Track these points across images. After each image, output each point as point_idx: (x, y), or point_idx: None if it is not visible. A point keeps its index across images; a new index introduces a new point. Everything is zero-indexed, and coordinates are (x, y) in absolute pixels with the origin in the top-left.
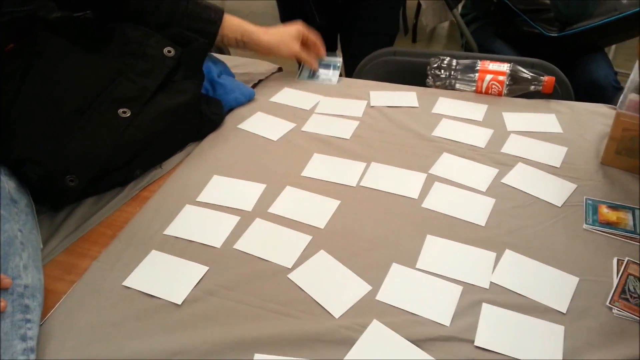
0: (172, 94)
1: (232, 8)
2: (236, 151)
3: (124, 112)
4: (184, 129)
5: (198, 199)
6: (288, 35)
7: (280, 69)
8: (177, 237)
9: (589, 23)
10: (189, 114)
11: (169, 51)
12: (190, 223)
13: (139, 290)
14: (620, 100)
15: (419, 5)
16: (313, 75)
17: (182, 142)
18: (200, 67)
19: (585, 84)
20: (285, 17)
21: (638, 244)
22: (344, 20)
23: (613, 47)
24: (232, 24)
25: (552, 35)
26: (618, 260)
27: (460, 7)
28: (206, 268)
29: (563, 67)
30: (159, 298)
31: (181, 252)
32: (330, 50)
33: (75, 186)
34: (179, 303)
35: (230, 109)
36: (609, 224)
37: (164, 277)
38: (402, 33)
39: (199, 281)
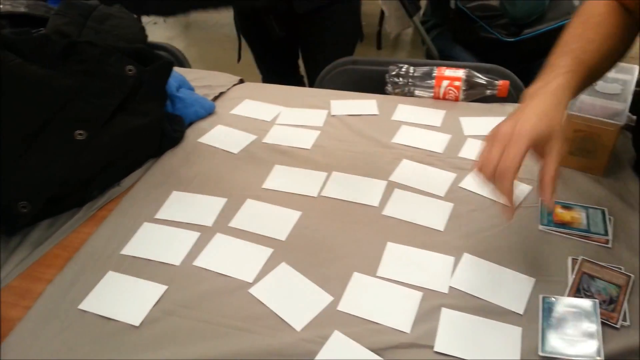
0: (133, 115)
1: (198, 19)
2: (196, 166)
3: (80, 134)
4: (144, 148)
5: (156, 216)
6: None
7: (241, 81)
8: (134, 257)
9: (543, 27)
10: (150, 134)
11: (130, 70)
12: (148, 241)
13: (95, 313)
14: (571, 102)
15: (382, 12)
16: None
17: (141, 160)
18: (163, 87)
19: None
20: (245, 29)
21: (591, 242)
22: (305, 31)
23: None
24: None
25: (508, 40)
26: (572, 259)
27: (421, 14)
28: (165, 287)
29: (521, 71)
30: (116, 320)
31: (139, 272)
32: (292, 60)
33: (28, 212)
34: (137, 324)
35: (190, 123)
36: (563, 224)
37: (121, 299)
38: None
39: (158, 301)
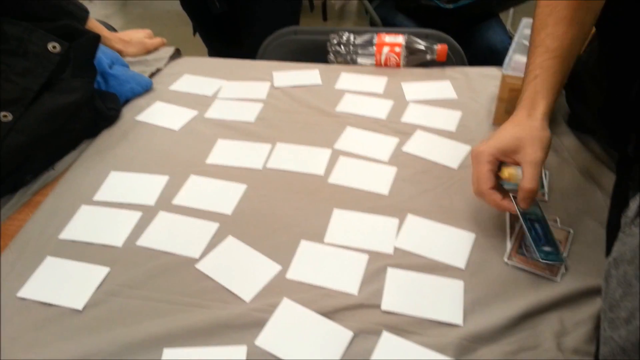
0: (60, 93)
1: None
2: (135, 145)
3: (5, 116)
4: (77, 128)
5: (95, 198)
6: (137, 38)
7: (178, 52)
8: (74, 241)
9: None
10: (81, 112)
11: (54, 47)
12: (87, 224)
13: (35, 300)
14: (505, 62)
15: None
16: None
17: (76, 141)
18: (91, 63)
19: (483, 50)
20: (186, 4)
21: None
22: (242, 3)
23: (511, 11)
24: (95, 26)
25: (447, 7)
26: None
27: None
28: (107, 269)
29: (461, 36)
30: (58, 306)
31: (79, 256)
32: (235, 37)
33: None
34: (80, 308)
35: (127, 101)
36: (501, 180)
37: (62, 284)
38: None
39: (101, 283)
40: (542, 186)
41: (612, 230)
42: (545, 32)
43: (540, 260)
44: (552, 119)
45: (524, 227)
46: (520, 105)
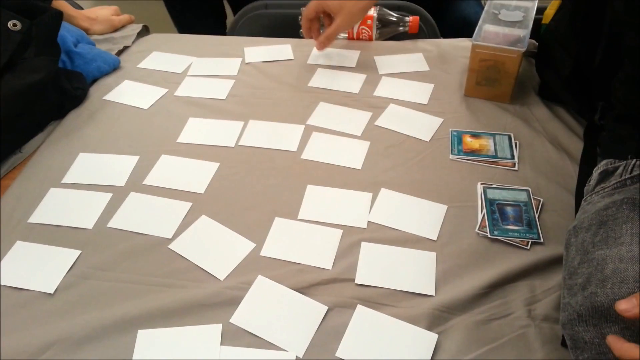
0: (23, 73)
1: None
2: (104, 125)
3: None
4: (43, 109)
5: (64, 181)
6: (104, 15)
7: (147, 29)
8: (43, 224)
9: None
10: (46, 92)
11: (15, 25)
12: (56, 207)
13: (6, 285)
14: (475, 32)
15: None
16: None
17: (42, 123)
18: (54, 41)
19: (457, 22)
20: None
21: (499, 167)
22: None
23: None
24: (60, 5)
25: None
26: (481, 184)
27: None
28: (78, 252)
29: (435, 9)
30: (29, 290)
31: (49, 239)
32: (218, 11)
33: None
34: (51, 292)
35: (94, 80)
36: (472, 152)
37: (32, 268)
38: None
39: (72, 266)
40: (512, 156)
41: (580, 198)
42: None
43: (488, 235)
44: (522, 89)
45: (485, 210)
46: None
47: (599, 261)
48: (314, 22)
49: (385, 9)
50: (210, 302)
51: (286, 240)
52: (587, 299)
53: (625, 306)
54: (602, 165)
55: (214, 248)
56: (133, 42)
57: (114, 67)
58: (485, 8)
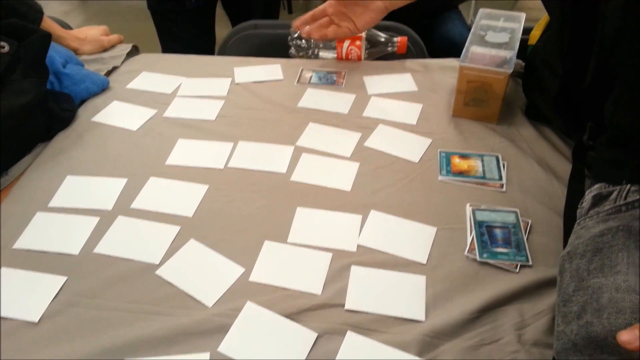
0: (10, 95)
1: None
2: (92, 147)
3: None
4: (30, 131)
5: (50, 205)
6: (93, 36)
7: (136, 49)
8: (28, 250)
9: None
10: (34, 114)
11: (2, 47)
12: (42, 232)
13: None
14: (462, 53)
15: None
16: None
17: (29, 145)
18: (43, 62)
19: (443, 43)
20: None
21: (488, 187)
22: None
23: (473, 3)
24: (49, 26)
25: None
26: (470, 205)
27: None
28: (64, 278)
29: (421, 29)
30: (13, 319)
31: (35, 266)
32: (209, 29)
33: None
34: (36, 321)
35: (83, 101)
36: (461, 173)
37: (17, 295)
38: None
39: (57, 294)
40: (500, 177)
41: (569, 220)
42: None
43: (478, 258)
44: (509, 109)
45: (474, 232)
46: None
47: (595, 289)
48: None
49: (373, 29)
50: (198, 330)
51: (275, 265)
52: (583, 328)
53: (627, 337)
54: (595, 189)
55: (202, 273)
56: (122, 62)
57: (103, 88)
58: (472, 30)
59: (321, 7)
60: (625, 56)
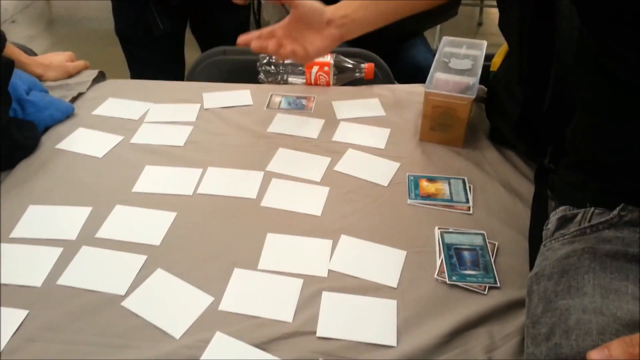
0: None
1: (63, 14)
2: (55, 175)
3: None
4: None
5: (12, 235)
6: (58, 62)
7: (102, 75)
8: None
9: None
10: None
11: None
12: (3, 264)
13: None
14: (427, 80)
15: (259, 1)
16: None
17: None
18: (5, 90)
19: (409, 68)
20: (122, 24)
21: (455, 210)
22: (195, 21)
23: (437, 29)
24: (12, 52)
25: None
26: (439, 228)
27: None
28: (25, 312)
29: (387, 55)
30: None
31: None
32: (178, 54)
33: None
34: None
35: (46, 129)
36: (429, 196)
37: None
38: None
39: (18, 328)
40: (467, 200)
41: (534, 242)
42: None
43: (447, 281)
44: (473, 133)
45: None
46: None
47: (562, 311)
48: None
49: (341, 56)
50: None
51: (246, 293)
52: (552, 350)
53: (597, 357)
54: (560, 211)
55: (170, 304)
56: (88, 88)
57: (68, 115)
58: (436, 57)
59: (269, 28)
60: (581, 86)
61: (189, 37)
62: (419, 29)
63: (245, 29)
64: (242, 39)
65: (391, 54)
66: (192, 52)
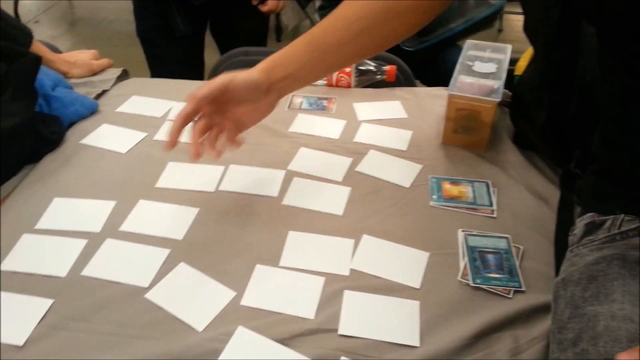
0: None
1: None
2: (80, 169)
3: None
4: (18, 153)
5: (37, 227)
6: (83, 59)
7: (126, 73)
8: (14, 272)
9: (442, 33)
10: (22, 136)
11: None
12: (29, 254)
13: None
14: (451, 82)
15: None
16: None
17: (16, 167)
18: (32, 85)
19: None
20: (144, 25)
21: (478, 214)
22: (216, 24)
23: None
24: (38, 49)
25: (408, 49)
26: (462, 231)
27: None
28: (50, 301)
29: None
30: None
31: (20, 288)
32: (198, 55)
33: None
34: (21, 344)
35: (71, 124)
36: (452, 199)
37: (2, 318)
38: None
39: (43, 317)
40: (491, 203)
41: (560, 246)
42: (327, 20)
43: (471, 284)
44: (497, 137)
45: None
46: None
47: (590, 317)
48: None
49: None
50: (188, 355)
51: (267, 289)
52: (578, 356)
53: (626, 357)
54: (587, 217)
55: (192, 297)
56: (112, 86)
57: (92, 111)
58: (460, 60)
59: (189, 108)
60: (604, 98)
61: (208, 40)
62: (455, 42)
63: (265, 32)
64: (169, 143)
65: (430, 56)
66: (211, 55)
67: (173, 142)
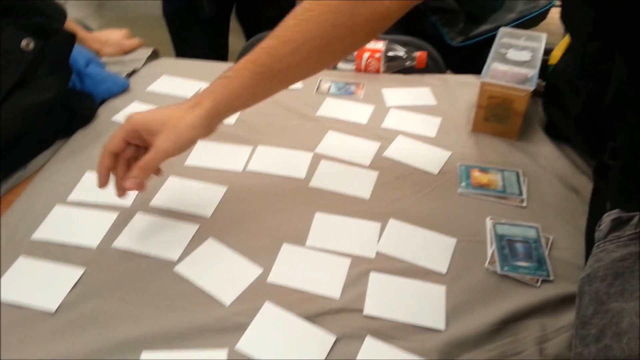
0: (33, 91)
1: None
2: None
3: None
4: (51, 127)
5: (69, 199)
6: (114, 38)
7: (155, 54)
8: (47, 241)
9: (489, 30)
10: (55, 111)
11: (28, 44)
12: (61, 224)
13: (7, 302)
14: (484, 70)
15: None
16: None
17: (49, 140)
18: (66, 62)
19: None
20: (170, 7)
21: (507, 203)
22: (241, 8)
23: None
24: (72, 27)
25: (453, 44)
26: (490, 219)
27: None
28: (82, 269)
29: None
30: (29, 308)
31: (53, 257)
32: (222, 39)
33: None
34: (53, 310)
35: (103, 101)
36: (480, 187)
37: (35, 284)
38: None
39: (75, 284)
40: (521, 192)
41: (591, 238)
42: (271, 43)
43: (498, 271)
44: (529, 126)
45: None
46: (196, 95)
47: (615, 314)
48: (121, 157)
49: (393, 44)
50: (215, 327)
51: (294, 267)
52: (602, 352)
53: None
54: (614, 213)
55: (220, 272)
56: (143, 65)
57: (123, 89)
58: (493, 47)
59: (117, 141)
60: (631, 99)
61: (233, 24)
62: None
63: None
64: (100, 182)
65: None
66: (236, 39)
67: (103, 183)
